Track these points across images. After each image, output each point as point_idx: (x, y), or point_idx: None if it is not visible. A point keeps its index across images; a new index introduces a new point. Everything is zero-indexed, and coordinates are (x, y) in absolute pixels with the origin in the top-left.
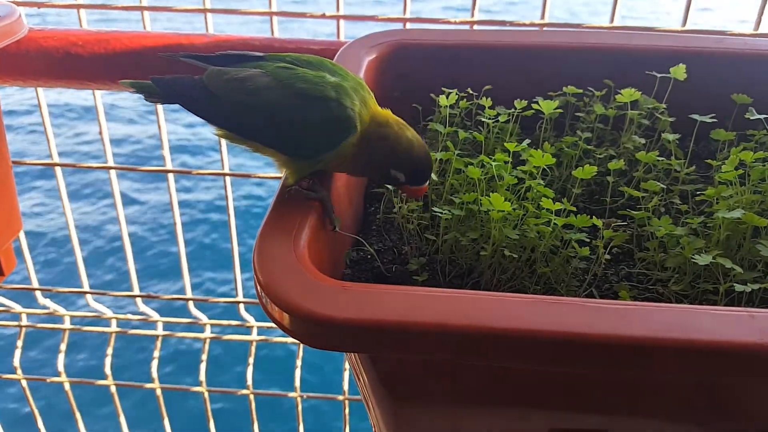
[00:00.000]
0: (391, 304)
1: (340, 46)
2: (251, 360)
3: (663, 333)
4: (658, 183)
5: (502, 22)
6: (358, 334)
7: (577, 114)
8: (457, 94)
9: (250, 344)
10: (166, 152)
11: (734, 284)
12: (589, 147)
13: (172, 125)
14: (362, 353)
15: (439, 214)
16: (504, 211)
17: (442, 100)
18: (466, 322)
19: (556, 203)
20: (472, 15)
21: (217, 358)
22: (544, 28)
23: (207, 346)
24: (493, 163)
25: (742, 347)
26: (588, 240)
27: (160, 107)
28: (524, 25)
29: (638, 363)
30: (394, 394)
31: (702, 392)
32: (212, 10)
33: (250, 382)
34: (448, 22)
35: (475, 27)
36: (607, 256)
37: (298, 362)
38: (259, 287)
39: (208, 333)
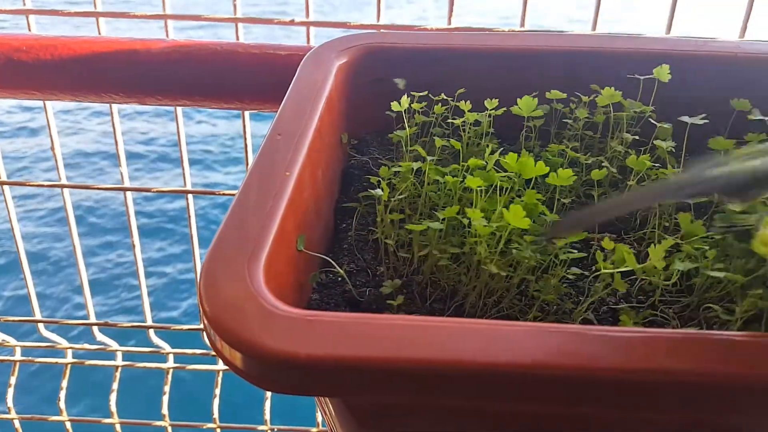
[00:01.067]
0: (365, 336)
1: (308, 51)
2: (217, 391)
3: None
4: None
5: (481, 29)
6: (326, 374)
7: (564, 121)
8: (431, 98)
9: (216, 374)
10: (124, 169)
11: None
12: (576, 155)
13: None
14: (326, 396)
15: (413, 230)
16: (491, 225)
17: (395, 105)
18: (460, 358)
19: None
20: (449, 23)
21: (183, 389)
22: (526, 33)
23: (170, 377)
24: (473, 173)
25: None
26: (580, 256)
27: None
28: (504, 32)
29: (653, 400)
30: None
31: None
32: (172, 16)
33: (216, 414)
34: (424, 30)
35: (454, 32)
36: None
37: (268, 393)
38: (205, 320)
39: (171, 363)
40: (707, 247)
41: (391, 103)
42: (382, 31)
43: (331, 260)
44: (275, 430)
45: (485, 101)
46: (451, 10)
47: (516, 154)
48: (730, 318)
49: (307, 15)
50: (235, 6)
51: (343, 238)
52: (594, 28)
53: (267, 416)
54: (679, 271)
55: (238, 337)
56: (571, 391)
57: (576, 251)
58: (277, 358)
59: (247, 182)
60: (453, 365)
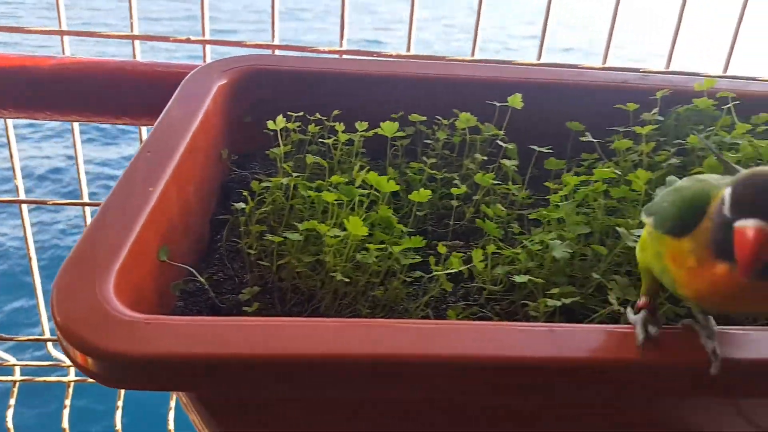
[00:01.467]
0: (192, 335)
1: (181, 70)
2: (120, 403)
3: (453, 351)
4: (502, 207)
5: (371, 53)
6: (158, 370)
7: (426, 141)
8: (307, 118)
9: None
10: (19, 182)
11: (546, 300)
12: (433, 172)
13: None
14: (163, 391)
15: (273, 240)
16: (339, 236)
17: (270, 124)
18: (261, 351)
19: (399, 225)
20: (341, 45)
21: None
22: (411, 60)
23: (71, 390)
24: (336, 188)
25: (541, 361)
26: (421, 261)
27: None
28: (392, 56)
29: (448, 382)
30: None
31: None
32: (68, 32)
33: (119, 426)
34: (317, 51)
35: (344, 56)
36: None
37: (172, 403)
38: (57, 330)
39: (72, 377)
40: (519, 251)
41: (268, 122)
42: (276, 53)
43: (192, 270)
44: None
45: (356, 123)
46: (342, 36)
47: (375, 173)
48: (536, 314)
49: (204, 34)
50: (132, 24)
51: (216, 249)
52: (473, 54)
53: (171, 426)
54: (504, 273)
55: (85, 342)
56: (377, 375)
57: (418, 256)
58: (117, 358)
59: (109, 198)
60: (259, 358)
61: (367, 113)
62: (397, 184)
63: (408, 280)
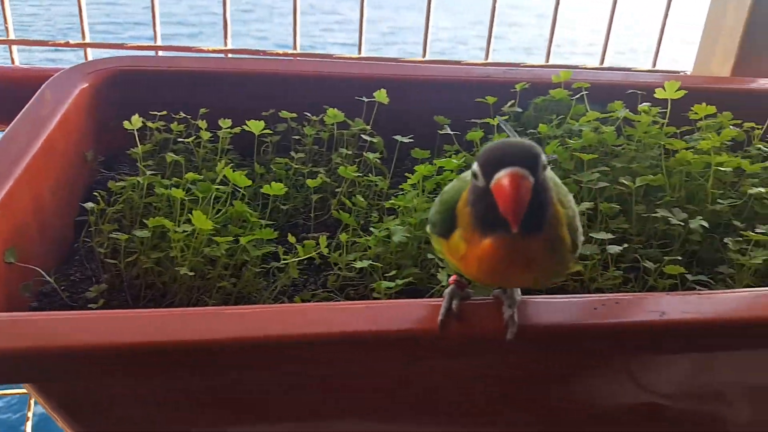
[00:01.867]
0: (19, 332)
1: (54, 73)
2: (30, 414)
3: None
4: (362, 198)
5: (256, 51)
6: None
7: (295, 137)
8: (172, 117)
9: (28, 397)
10: None
11: (381, 282)
12: (298, 166)
13: None
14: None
15: (119, 238)
16: (186, 231)
17: (126, 124)
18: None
19: (254, 219)
20: (225, 44)
21: None
22: (297, 58)
23: None
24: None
25: (360, 335)
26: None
27: None
28: (278, 54)
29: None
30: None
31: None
32: None
33: None
34: (201, 51)
35: (230, 56)
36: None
37: (29, 414)
38: None
39: None
40: (370, 238)
41: (124, 122)
42: (159, 54)
43: (40, 270)
44: None
45: (219, 121)
46: (225, 34)
47: (230, 169)
48: (378, 295)
49: (84, 37)
50: (7, 28)
51: (77, 250)
52: (360, 52)
53: None
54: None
55: None
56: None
57: (273, 247)
58: None
59: None
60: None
61: (240, 112)
62: (265, 180)
63: (262, 271)
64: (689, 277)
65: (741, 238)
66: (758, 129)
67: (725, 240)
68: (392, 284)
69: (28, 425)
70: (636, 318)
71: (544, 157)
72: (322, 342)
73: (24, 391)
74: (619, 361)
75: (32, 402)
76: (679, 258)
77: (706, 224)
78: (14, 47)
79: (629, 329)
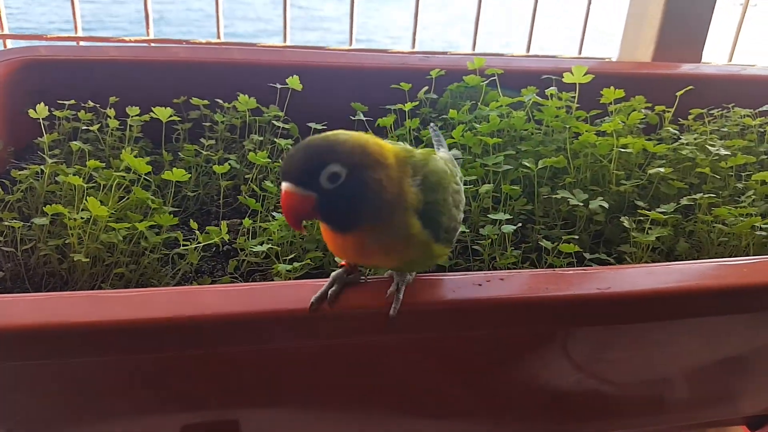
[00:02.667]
0: None
1: None
2: None
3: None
4: (273, 185)
5: (179, 41)
6: None
7: (205, 124)
8: (81, 106)
9: None
10: None
11: (278, 265)
12: (208, 153)
13: None
14: None
15: (14, 226)
16: (83, 218)
17: (32, 113)
18: None
19: (155, 205)
20: (147, 34)
21: None
22: (218, 47)
23: None
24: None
25: (236, 316)
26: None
27: None
28: (198, 43)
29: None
30: None
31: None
32: None
33: None
34: (123, 41)
35: (152, 45)
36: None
37: None
38: None
39: None
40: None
41: (29, 111)
42: (81, 45)
43: None
44: None
45: (127, 108)
46: (147, 24)
47: (131, 155)
48: (279, 278)
49: (2, 28)
50: None
51: None
52: (285, 40)
53: None
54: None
55: None
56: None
57: (168, 232)
58: None
59: None
60: None
61: (155, 100)
62: (174, 168)
63: (163, 257)
64: (586, 255)
65: (643, 217)
66: (668, 112)
67: (622, 219)
68: (290, 267)
69: None
70: (516, 293)
71: (333, 168)
72: (202, 324)
73: None
74: (499, 335)
75: None
76: (576, 237)
77: (605, 204)
78: None
79: (509, 304)
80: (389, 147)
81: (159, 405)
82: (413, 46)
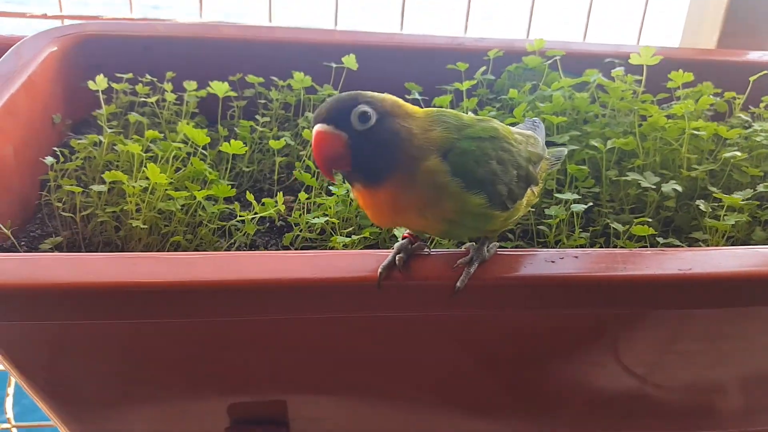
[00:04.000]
0: None
1: (16, 41)
2: (10, 390)
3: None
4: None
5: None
6: None
7: (261, 101)
8: (138, 80)
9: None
10: None
11: (338, 237)
12: (263, 129)
13: None
14: None
15: (74, 192)
16: (141, 186)
17: (91, 84)
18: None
19: (212, 177)
20: (201, 16)
21: None
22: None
23: None
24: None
25: (302, 282)
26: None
27: None
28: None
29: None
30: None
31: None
32: None
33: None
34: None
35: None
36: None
37: (9, 390)
38: None
39: None
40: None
41: (89, 83)
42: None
43: None
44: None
45: (184, 83)
46: (201, 5)
47: (191, 127)
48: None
49: (60, 8)
50: None
51: (41, 208)
52: (337, 23)
53: (9, 414)
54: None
55: None
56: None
57: (224, 204)
58: None
59: None
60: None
61: (209, 77)
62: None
63: (219, 228)
64: (660, 240)
65: (717, 203)
66: (739, 99)
67: (698, 203)
68: (348, 240)
69: (8, 402)
70: (591, 272)
71: (363, 107)
72: (264, 288)
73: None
74: (572, 317)
75: (12, 379)
76: (649, 220)
77: (679, 188)
78: None
79: (583, 283)
80: (418, 108)
81: (208, 381)
82: (465, 32)
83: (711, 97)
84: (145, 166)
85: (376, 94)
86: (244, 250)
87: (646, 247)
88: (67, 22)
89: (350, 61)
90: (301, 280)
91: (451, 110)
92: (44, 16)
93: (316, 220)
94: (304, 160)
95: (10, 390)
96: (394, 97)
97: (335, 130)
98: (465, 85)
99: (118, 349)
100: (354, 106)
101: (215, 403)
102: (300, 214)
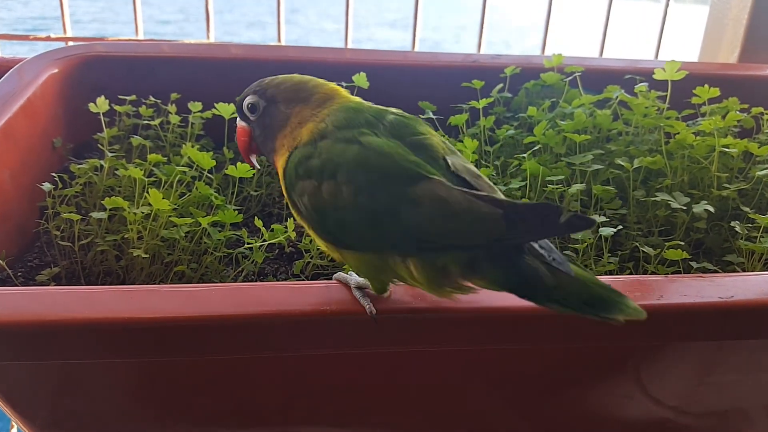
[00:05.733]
0: None
1: (16, 63)
2: None
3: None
4: None
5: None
6: None
7: None
8: (141, 102)
9: None
10: None
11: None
12: None
13: None
14: None
15: (72, 219)
16: (143, 213)
17: (92, 107)
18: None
19: (219, 202)
20: (207, 37)
21: None
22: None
23: None
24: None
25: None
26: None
27: None
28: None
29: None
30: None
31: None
32: None
33: None
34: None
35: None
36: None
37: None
38: None
39: None
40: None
41: (89, 105)
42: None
43: None
44: None
45: (189, 104)
46: (208, 27)
47: (195, 150)
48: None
49: (64, 31)
50: None
51: (39, 236)
52: (347, 40)
53: None
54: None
55: None
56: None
57: (231, 230)
58: None
59: None
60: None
61: (216, 99)
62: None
63: (225, 257)
64: (693, 264)
65: (750, 224)
66: (767, 114)
67: (732, 224)
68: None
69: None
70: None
71: (249, 99)
72: (275, 322)
73: None
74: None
75: None
76: (681, 243)
77: (711, 209)
78: None
79: None
80: (343, 99)
81: (217, 418)
82: (479, 49)
83: (738, 113)
84: (148, 192)
85: (277, 78)
86: (252, 279)
87: (679, 271)
88: (71, 43)
89: (361, 80)
90: (313, 312)
91: (380, 107)
92: (48, 38)
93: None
94: None
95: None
96: (304, 80)
97: (240, 122)
98: (482, 103)
99: (121, 387)
100: (243, 99)
101: None
102: (311, 240)
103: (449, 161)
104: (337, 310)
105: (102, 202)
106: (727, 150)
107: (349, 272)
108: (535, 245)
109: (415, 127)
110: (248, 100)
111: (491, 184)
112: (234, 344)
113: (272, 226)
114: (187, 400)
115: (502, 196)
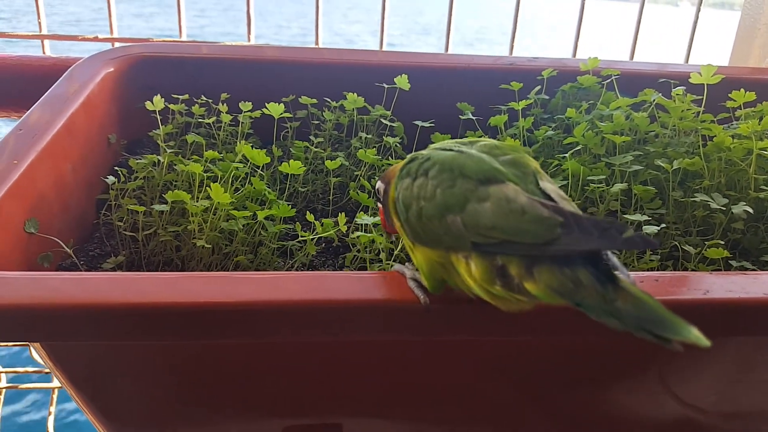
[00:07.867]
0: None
1: (72, 62)
2: (52, 409)
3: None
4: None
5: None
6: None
7: (315, 122)
8: (194, 101)
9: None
10: None
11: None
12: (317, 150)
13: None
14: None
15: (137, 211)
16: (204, 205)
17: (148, 105)
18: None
19: (272, 197)
20: (249, 39)
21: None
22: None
23: (2, 397)
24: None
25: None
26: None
27: None
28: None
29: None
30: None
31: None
32: None
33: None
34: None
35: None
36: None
37: (52, 409)
38: None
39: (3, 383)
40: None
41: (146, 103)
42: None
43: (60, 242)
44: None
45: (240, 104)
46: (249, 29)
47: (248, 147)
48: None
49: (41, 29)
50: (39, 24)
51: (98, 227)
52: (381, 47)
53: None
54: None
55: None
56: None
57: (284, 224)
58: None
59: None
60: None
61: (262, 99)
62: (284, 162)
63: (279, 248)
64: (733, 263)
65: None
66: None
67: None
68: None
69: (50, 420)
70: (673, 295)
71: (378, 185)
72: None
73: (46, 385)
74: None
75: (54, 397)
76: (721, 242)
77: (750, 209)
78: (46, 42)
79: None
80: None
81: (264, 403)
82: (510, 52)
83: None
84: (208, 186)
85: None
86: (303, 271)
87: (720, 270)
88: (117, 44)
89: (402, 82)
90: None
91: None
92: (96, 39)
93: (379, 239)
94: (358, 180)
95: (53, 409)
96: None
97: (378, 204)
98: (521, 104)
99: (173, 370)
100: (376, 184)
101: (270, 425)
102: (358, 235)
103: (539, 179)
104: (391, 298)
105: (164, 195)
106: (764, 153)
107: (406, 264)
108: (603, 258)
109: (510, 148)
110: (377, 185)
111: (577, 208)
112: (305, 327)
113: (323, 221)
114: (235, 384)
115: (579, 212)
